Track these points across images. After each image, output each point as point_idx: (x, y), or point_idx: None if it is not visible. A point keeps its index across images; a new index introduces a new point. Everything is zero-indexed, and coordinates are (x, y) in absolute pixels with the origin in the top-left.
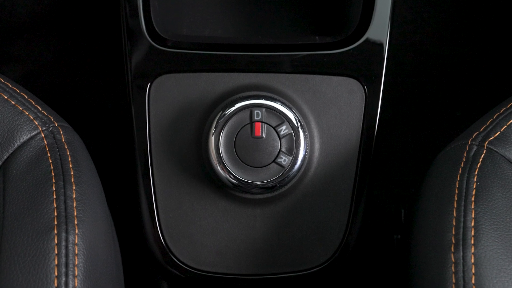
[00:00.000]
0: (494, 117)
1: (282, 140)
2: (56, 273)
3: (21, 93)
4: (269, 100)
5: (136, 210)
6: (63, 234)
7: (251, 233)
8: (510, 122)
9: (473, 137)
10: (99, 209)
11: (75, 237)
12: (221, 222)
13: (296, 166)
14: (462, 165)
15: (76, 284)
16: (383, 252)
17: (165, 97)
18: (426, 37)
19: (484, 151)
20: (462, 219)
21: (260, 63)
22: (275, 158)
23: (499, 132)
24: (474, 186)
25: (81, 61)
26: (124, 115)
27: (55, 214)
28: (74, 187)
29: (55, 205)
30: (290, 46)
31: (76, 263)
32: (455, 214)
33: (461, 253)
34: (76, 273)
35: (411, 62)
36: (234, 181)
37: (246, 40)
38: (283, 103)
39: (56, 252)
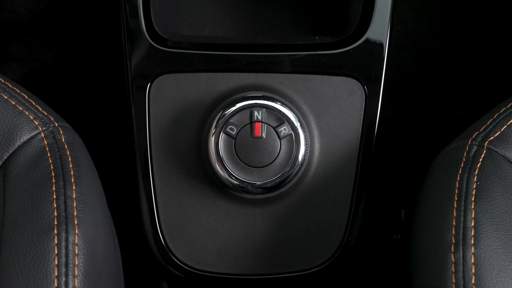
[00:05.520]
0: (494, 117)
1: (282, 140)
2: (56, 273)
3: (21, 93)
4: (269, 100)
5: (136, 210)
6: (63, 234)
7: (251, 233)
8: (510, 122)
9: (473, 137)
10: (99, 209)
11: (75, 237)
12: (221, 222)
13: (296, 166)
14: (462, 165)
15: (76, 284)
16: (383, 252)
17: (165, 97)
18: (426, 37)
19: (484, 151)
20: (462, 219)
21: (260, 63)
22: (275, 158)
23: (499, 132)
24: (474, 186)
25: (81, 61)
26: (124, 115)
27: (55, 214)
28: (74, 187)
29: (55, 205)
30: (290, 46)
31: (76, 263)
32: (455, 214)
33: (461, 253)
34: (76, 273)
35: (411, 62)
36: (234, 181)
37: (246, 40)
38: (283, 103)
39: (56, 252)
